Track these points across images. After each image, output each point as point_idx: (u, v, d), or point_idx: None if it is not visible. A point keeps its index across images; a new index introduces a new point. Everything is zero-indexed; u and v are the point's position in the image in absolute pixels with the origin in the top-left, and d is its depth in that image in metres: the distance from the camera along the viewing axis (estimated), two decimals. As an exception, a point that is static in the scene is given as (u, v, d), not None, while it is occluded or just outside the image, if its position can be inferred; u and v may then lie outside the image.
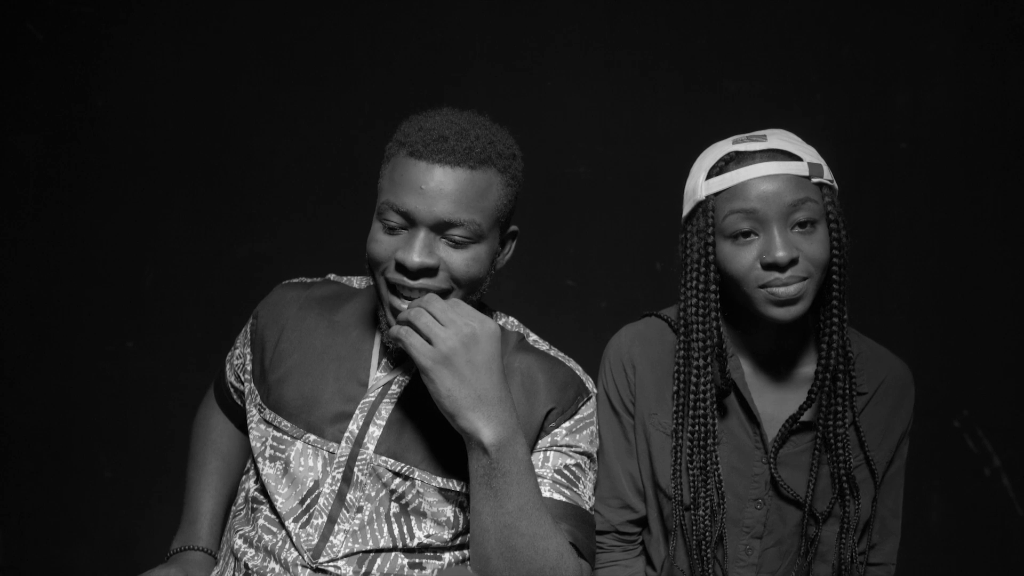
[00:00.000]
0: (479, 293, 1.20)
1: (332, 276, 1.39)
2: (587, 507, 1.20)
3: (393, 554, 1.17)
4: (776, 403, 1.28)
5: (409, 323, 1.09)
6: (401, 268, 1.12)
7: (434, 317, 1.08)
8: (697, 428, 1.24)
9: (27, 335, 2.22)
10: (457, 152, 1.12)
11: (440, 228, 1.12)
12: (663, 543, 1.31)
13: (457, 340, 1.07)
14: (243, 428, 1.39)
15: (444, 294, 1.14)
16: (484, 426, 1.07)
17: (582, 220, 2.13)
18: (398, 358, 1.24)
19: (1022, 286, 2.04)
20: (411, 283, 1.13)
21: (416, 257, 1.11)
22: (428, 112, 1.19)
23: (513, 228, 1.24)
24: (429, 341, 1.07)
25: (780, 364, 1.29)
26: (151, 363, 2.20)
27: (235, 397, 1.38)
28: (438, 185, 1.11)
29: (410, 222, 1.12)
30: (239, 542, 1.21)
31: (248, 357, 1.33)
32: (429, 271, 1.12)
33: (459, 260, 1.13)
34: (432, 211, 1.11)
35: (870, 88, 2.06)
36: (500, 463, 1.07)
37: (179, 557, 1.31)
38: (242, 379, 1.35)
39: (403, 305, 1.14)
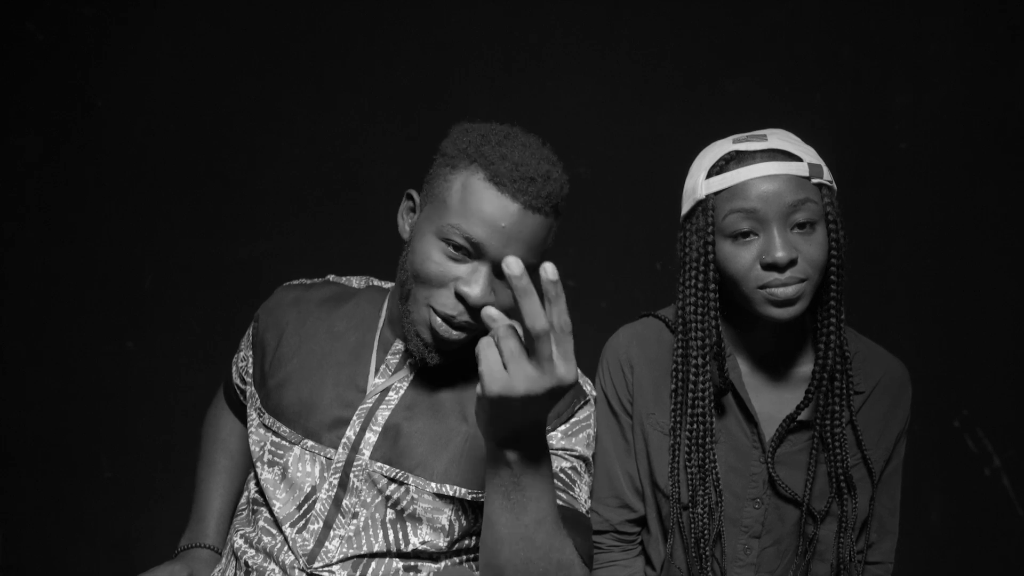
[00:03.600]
0: None
1: (332, 277, 1.38)
2: (583, 510, 1.19)
3: (388, 558, 1.16)
4: (773, 403, 1.28)
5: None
6: (459, 298, 1.11)
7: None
8: (695, 426, 1.24)
9: (27, 335, 2.22)
10: (541, 197, 1.11)
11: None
12: (662, 543, 1.31)
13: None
14: (251, 428, 1.40)
15: (473, 327, 1.13)
16: (514, 446, 0.97)
17: (582, 220, 2.12)
18: (398, 364, 1.24)
19: (1022, 286, 2.04)
20: (458, 316, 1.12)
21: (479, 294, 1.10)
22: (496, 129, 1.16)
23: None
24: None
25: (778, 364, 1.29)
26: (151, 363, 2.20)
27: (242, 398, 1.39)
28: (517, 227, 1.10)
29: (477, 253, 1.11)
30: (239, 541, 1.22)
31: (250, 360, 1.33)
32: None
33: (507, 298, 1.12)
34: (504, 252, 1.09)
35: (870, 88, 2.06)
36: (522, 477, 0.99)
37: (186, 554, 1.33)
38: (246, 381, 1.35)
39: (446, 329, 1.12)
